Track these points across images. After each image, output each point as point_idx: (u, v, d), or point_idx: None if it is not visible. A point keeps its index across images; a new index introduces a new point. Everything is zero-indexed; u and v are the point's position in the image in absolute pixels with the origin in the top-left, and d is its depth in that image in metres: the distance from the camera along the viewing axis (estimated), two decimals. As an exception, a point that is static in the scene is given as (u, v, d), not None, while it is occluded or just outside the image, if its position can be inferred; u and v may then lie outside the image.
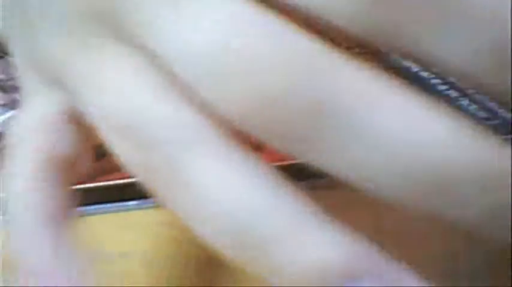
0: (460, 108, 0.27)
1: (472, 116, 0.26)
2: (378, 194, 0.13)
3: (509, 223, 0.13)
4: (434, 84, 0.29)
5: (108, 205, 0.22)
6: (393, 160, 0.13)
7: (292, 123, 0.13)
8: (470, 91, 0.28)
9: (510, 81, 0.27)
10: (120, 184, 0.22)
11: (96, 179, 0.22)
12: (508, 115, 0.26)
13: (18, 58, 0.18)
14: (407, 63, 0.32)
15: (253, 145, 0.14)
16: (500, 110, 0.27)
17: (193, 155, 0.14)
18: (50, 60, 0.16)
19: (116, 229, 0.21)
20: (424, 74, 0.30)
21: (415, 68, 0.31)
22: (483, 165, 0.13)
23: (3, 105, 0.27)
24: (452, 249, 0.19)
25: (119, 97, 0.14)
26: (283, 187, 0.14)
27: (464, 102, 0.27)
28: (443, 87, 0.29)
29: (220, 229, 0.14)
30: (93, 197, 0.21)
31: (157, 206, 0.19)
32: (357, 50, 0.33)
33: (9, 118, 0.27)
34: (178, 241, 0.20)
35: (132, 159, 0.15)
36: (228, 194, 0.13)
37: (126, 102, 0.14)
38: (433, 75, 0.30)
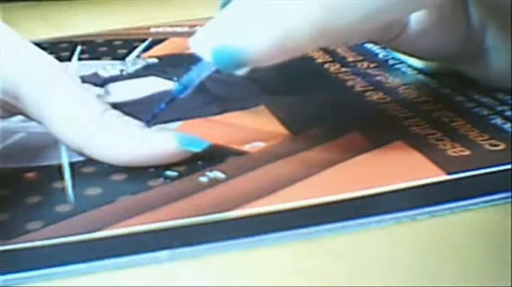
0: (493, 127, 0.26)
1: (506, 134, 0.26)
2: None
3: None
4: (460, 102, 0.29)
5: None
6: None
7: None
8: (500, 108, 0.28)
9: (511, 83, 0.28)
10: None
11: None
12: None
13: None
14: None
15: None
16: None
17: None
18: None
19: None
20: (448, 90, 0.30)
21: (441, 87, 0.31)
22: None
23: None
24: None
25: None
26: None
27: (497, 120, 0.27)
28: (470, 104, 0.28)
29: None
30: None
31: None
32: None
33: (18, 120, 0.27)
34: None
35: None
36: None
37: None
38: (457, 92, 0.30)
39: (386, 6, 0.21)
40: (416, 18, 0.26)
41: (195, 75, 0.24)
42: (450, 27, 0.27)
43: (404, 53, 0.30)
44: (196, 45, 0.22)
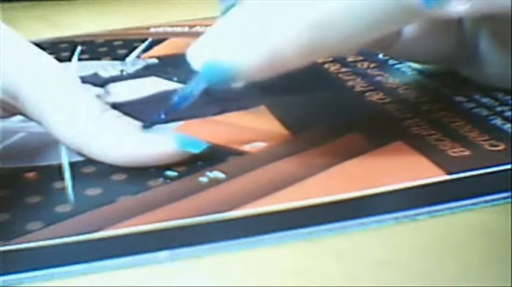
0: (493, 127, 0.26)
1: (506, 134, 0.26)
2: None
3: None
4: (460, 103, 0.29)
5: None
6: None
7: None
8: (499, 109, 0.28)
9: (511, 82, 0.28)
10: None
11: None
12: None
13: None
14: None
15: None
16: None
17: None
18: None
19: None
20: (448, 91, 0.30)
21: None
22: None
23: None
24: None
25: None
26: None
27: (497, 120, 0.27)
28: (470, 105, 0.28)
29: None
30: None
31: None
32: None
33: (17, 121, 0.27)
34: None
35: None
36: None
37: None
38: (457, 93, 0.30)
39: (374, 24, 0.21)
40: (408, 27, 0.26)
41: (193, 88, 0.24)
42: (442, 33, 0.27)
43: (399, 59, 0.30)
44: (191, 57, 0.23)
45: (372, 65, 0.34)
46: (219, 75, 0.22)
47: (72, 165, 0.25)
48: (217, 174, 0.24)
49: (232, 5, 0.25)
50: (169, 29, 0.43)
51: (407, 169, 0.23)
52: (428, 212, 0.21)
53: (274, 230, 0.20)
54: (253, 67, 0.22)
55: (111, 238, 0.20)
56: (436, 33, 0.27)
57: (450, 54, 0.28)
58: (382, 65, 0.33)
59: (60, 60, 0.26)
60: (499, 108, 0.28)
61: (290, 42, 0.21)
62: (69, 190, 0.23)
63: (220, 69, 0.22)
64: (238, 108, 0.29)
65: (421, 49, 0.27)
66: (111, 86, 0.33)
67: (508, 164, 0.23)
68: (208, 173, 0.24)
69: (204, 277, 0.19)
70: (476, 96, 0.29)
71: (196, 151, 0.24)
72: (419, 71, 0.32)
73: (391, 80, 0.32)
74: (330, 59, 0.35)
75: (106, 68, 0.36)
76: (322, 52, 0.23)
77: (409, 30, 0.26)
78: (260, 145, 0.26)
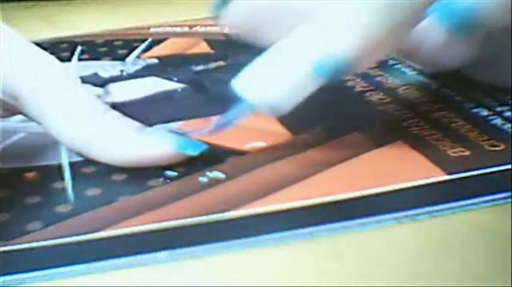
0: (493, 127, 0.26)
1: (505, 134, 0.26)
2: None
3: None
4: (460, 103, 0.29)
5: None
6: None
7: None
8: (499, 109, 0.28)
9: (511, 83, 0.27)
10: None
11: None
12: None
13: None
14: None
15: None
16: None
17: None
18: None
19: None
20: (448, 91, 0.30)
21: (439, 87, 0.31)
22: None
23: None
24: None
25: None
26: None
27: (497, 120, 0.27)
28: (470, 105, 0.28)
29: None
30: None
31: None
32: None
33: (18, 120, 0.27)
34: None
35: None
36: None
37: None
38: (457, 93, 0.30)
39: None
40: (433, 33, 0.26)
41: (235, 115, 0.24)
42: (469, 37, 0.26)
43: (423, 67, 0.30)
44: (245, 85, 0.24)
45: (372, 66, 0.34)
46: (334, 70, 0.23)
47: (72, 165, 0.25)
48: (217, 174, 0.24)
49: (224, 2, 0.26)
50: (169, 29, 0.43)
51: (407, 169, 0.23)
52: (428, 212, 0.21)
53: (274, 230, 0.20)
54: (359, 58, 0.23)
55: (111, 238, 0.20)
56: (462, 38, 0.26)
57: (473, 56, 0.27)
58: (382, 65, 0.33)
59: (60, 60, 0.26)
60: (499, 108, 0.28)
61: (374, 24, 0.22)
62: (69, 190, 0.23)
63: (335, 64, 0.23)
64: (238, 108, 0.29)
65: (446, 55, 0.27)
66: (111, 86, 0.33)
67: (508, 164, 0.23)
68: (208, 173, 0.24)
69: (204, 277, 0.19)
70: (476, 96, 0.29)
71: (195, 153, 0.24)
72: (419, 71, 0.32)
73: (391, 80, 0.32)
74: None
75: (106, 68, 0.36)
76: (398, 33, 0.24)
77: (435, 36, 0.26)
78: (260, 145, 0.26)
